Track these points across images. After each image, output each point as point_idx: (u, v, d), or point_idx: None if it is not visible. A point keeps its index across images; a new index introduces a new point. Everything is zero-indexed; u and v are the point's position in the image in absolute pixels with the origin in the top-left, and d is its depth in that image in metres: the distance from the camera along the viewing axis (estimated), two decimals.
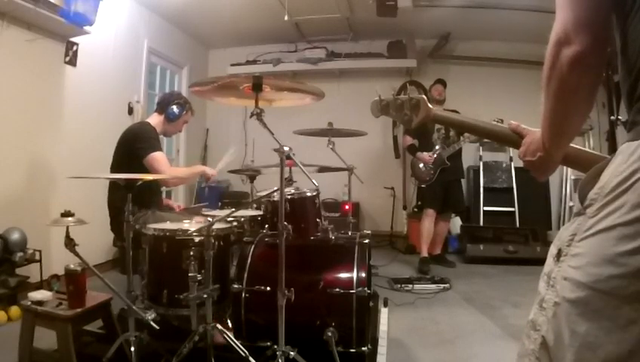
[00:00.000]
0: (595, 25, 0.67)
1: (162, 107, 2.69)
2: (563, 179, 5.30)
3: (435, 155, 4.08)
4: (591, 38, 0.66)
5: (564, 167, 5.20)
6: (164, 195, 2.99)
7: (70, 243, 1.63)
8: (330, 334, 1.86)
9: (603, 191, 0.62)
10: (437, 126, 4.14)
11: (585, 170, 0.81)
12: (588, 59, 0.67)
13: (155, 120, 2.69)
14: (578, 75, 0.68)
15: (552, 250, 0.70)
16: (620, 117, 2.32)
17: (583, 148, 0.95)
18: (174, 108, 2.67)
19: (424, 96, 1.11)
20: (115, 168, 2.53)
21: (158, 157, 2.48)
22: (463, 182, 4.58)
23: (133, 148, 2.47)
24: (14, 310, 2.59)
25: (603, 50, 0.68)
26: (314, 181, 2.04)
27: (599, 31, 0.67)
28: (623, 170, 0.60)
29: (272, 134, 1.72)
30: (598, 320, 0.59)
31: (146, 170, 2.42)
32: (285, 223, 1.70)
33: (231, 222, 2.14)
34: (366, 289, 1.92)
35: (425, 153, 4.11)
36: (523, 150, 0.94)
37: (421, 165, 4.14)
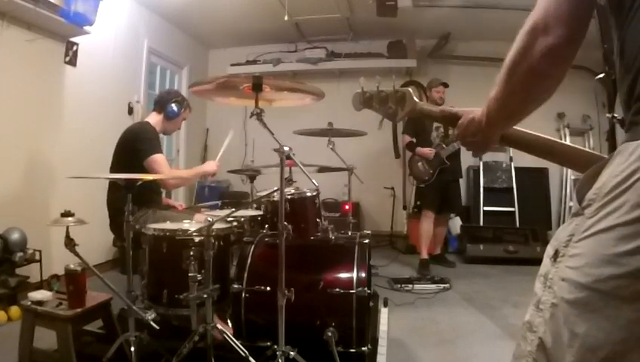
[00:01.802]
0: (576, 20, 0.69)
1: (161, 106, 2.68)
2: (563, 179, 5.30)
3: (435, 150, 4.04)
4: (569, 32, 0.68)
5: (564, 167, 5.23)
6: (164, 195, 2.98)
7: (70, 243, 1.63)
8: (330, 334, 1.86)
9: (602, 192, 0.62)
10: (435, 124, 4.12)
11: (573, 167, 0.83)
12: (562, 50, 0.69)
13: (154, 119, 2.68)
14: (548, 65, 0.71)
15: (549, 251, 0.70)
16: (616, 114, 2.31)
17: (574, 146, 0.97)
18: (173, 106, 2.66)
19: (409, 89, 1.08)
20: (115, 168, 2.52)
21: (158, 160, 2.47)
22: (463, 182, 4.57)
23: (133, 149, 2.47)
24: (14, 310, 2.59)
25: (578, 44, 0.70)
26: (314, 181, 2.04)
27: (578, 26, 0.69)
28: (622, 170, 0.59)
29: (272, 134, 1.72)
30: (598, 320, 0.58)
31: (146, 171, 2.42)
32: (285, 223, 1.70)
33: (231, 222, 2.14)
34: (366, 289, 1.92)
35: (425, 148, 4.06)
36: (461, 131, 0.95)
37: (419, 164, 4.11)
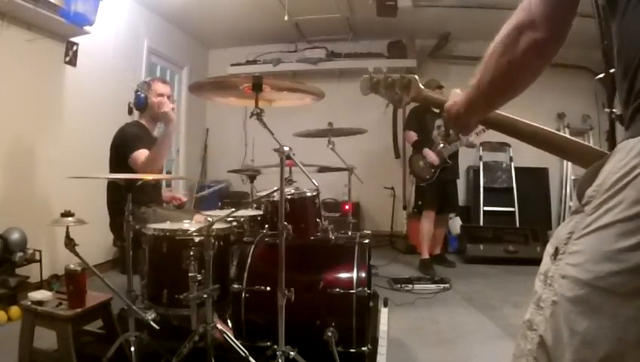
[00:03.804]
0: (560, 19, 0.73)
1: (134, 103, 2.67)
2: (563, 179, 5.31)
3: (439, 152, 4.02)
4: (554, 30, 0.73)
5: (564, 167, 5.24)
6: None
7: (70, 243, 1.63)
8: (330, 334, 1.86)
9: (601, 188, 0.62)
10: (437, 123, 4.12)
11: (563, 155, 0.89)
12: (545, 46, 0.74)
13: (138, 116, 2.69)
14: (531, 59, 0.76)
15: (549, 249, 0.70)
16: (614, 110, 2.31)
17: (566, 136, 1.00)
18: (136, 97, 2.62)
19: (416, 76, 1.10)
20: (110, 169, 2.53)
21: (135, 156, 2.42)
22: (463, 182, 4.57)
23: (119, 153, 2.47)
24: (14, 310, 2.59)
25: (561, 42, 0.75)
26: (314, 181, 2.04)
27: (562, 24, 0.73)
28: (621, 167, 0.60)
29: (272, 134, 1.72)
30: (598, 317, 0.58)
31: (134, 171, 2.41)
32: (285, 223, 1.70)
33: (231, 222, 2.14)
34: (366, 289, 1.92)
35: (432, 152, 4.03)
36: (445, 115, 1.01)
37: (421, 163, 4.11)
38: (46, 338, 1.99)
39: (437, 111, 3.80)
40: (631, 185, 0.57)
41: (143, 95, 2.60)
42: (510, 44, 0.75)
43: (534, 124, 0.98)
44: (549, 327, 0.65)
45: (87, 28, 3.31)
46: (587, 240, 0.62)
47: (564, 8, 0.73)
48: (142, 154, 2.43)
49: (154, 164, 2.41)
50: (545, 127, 0.98)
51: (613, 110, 2.21)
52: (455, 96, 0.98)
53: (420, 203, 4.50)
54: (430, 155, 4.03)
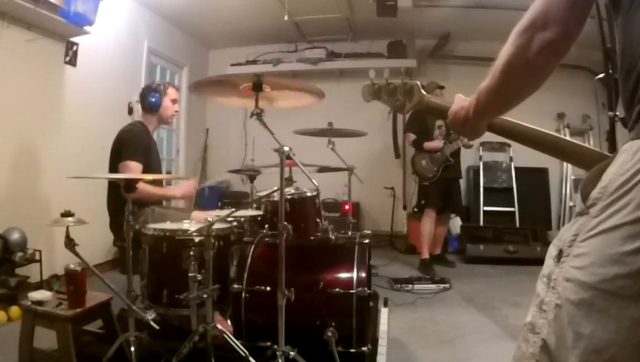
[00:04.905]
0: (574, 18, 0.72)
1: (143, 103, 2.66)
2: (563, 179, 5.30)
3: (442, 145, 4.04)
4: (566, 29, 0.73)
5: (564, 167, 5.24)
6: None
7: (70, 243, 1.63)
8: (330, 334, 1.86)
9: (607, 191, 0.61)
10: (438, 123, 4.12)
11: (570, 161, 0.86)
12: (559, 46, 0.73)
13: (144, 117, 2.68)
14: (545, 59, 0.75)
15: (552, 251, 0.69)
16: (617, 113, 2.31)
17: (569, 140, 0.98)
18: (151, 98, 2.62)
19: (418, 82, 1.09)
20: (111, 169, 2.53)
21: (129, 166, 2.40)
22: (463, 182, 4.57)
23: (118, 154, 2.47)
24: (14, 310, 2.59)
25: (573, 41, 0.75)
26: (314, 181, 2.03)
27: (575, 24, 0.73)
28: (627, 169, 0.59)
29: (272, 134, 1.72)
30: (604, 321, 0.58)
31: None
32: (285, 223, 1.70)
33: (231, 222, 2.14)
34: (366, 289, 1.92)
35: (433, 141, 4.06)
36: (451, 119, 0.99)
37: (423, 162, 4.11)
38: (46, 339, 1.99)
39: None
40: (637, 187, 0.57)
41: (156, 98, 2.61)
42: (523, 45, 0.75)
43: (537, 128, 0.97)
44: (552, 331, 0.65)
45: (87, 28, 3.31)
46: (592, 242, 0.61)
47: (577, 8, 0.72)
48: (135, 167, 2.42)
49: (146, 197, 2.42)
50: (547, 131, 0.97)
51: (617, 113, 2.20)
52: (460, 101, 0.96)
53: (423, 202, 4.49)
54: (432, 143, 4.06)
